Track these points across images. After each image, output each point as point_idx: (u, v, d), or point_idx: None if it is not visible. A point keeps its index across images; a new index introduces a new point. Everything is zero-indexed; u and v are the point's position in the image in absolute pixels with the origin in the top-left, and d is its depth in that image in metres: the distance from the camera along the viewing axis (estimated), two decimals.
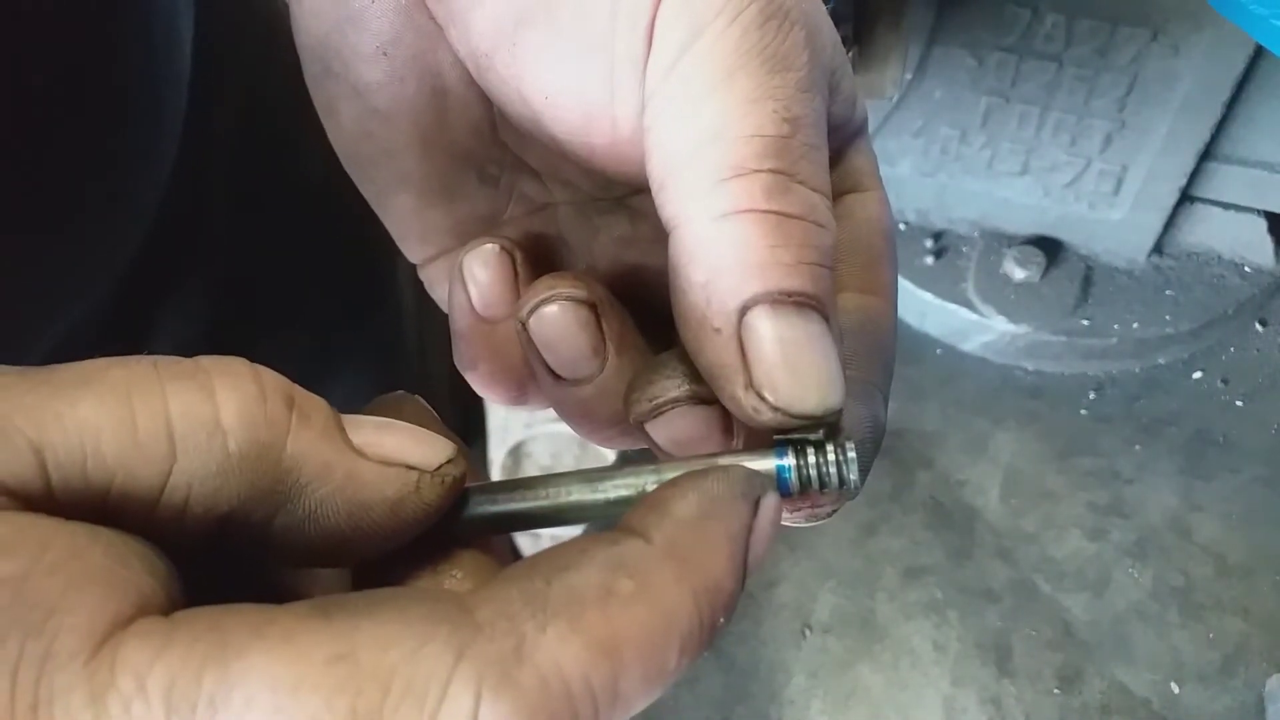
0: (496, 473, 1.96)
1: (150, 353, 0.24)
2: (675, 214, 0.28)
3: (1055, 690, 0.67)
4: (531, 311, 0.32)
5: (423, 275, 0.39)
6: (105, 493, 0.22)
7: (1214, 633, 0.70)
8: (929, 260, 0.89)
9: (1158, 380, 0.85)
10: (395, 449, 0.26)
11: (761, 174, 0.27)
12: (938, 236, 0.91)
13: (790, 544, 0.72)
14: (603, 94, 0.29)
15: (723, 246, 0.27)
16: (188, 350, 0.25)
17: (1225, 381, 0.84)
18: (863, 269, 0.34)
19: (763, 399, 0.27)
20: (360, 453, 0.25)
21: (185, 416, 0.23)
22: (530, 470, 2.05)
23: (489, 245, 0.34)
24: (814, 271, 0.27)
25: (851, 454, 0.28)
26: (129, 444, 0.22)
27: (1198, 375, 0.85)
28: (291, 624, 0.21)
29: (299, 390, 0.25)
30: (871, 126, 0.87)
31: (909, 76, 0.80)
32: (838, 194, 0.35)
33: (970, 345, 0.87)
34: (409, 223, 0.37)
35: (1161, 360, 0.86)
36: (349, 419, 0.26)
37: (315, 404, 0.25)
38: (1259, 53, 0.71)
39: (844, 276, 0.33)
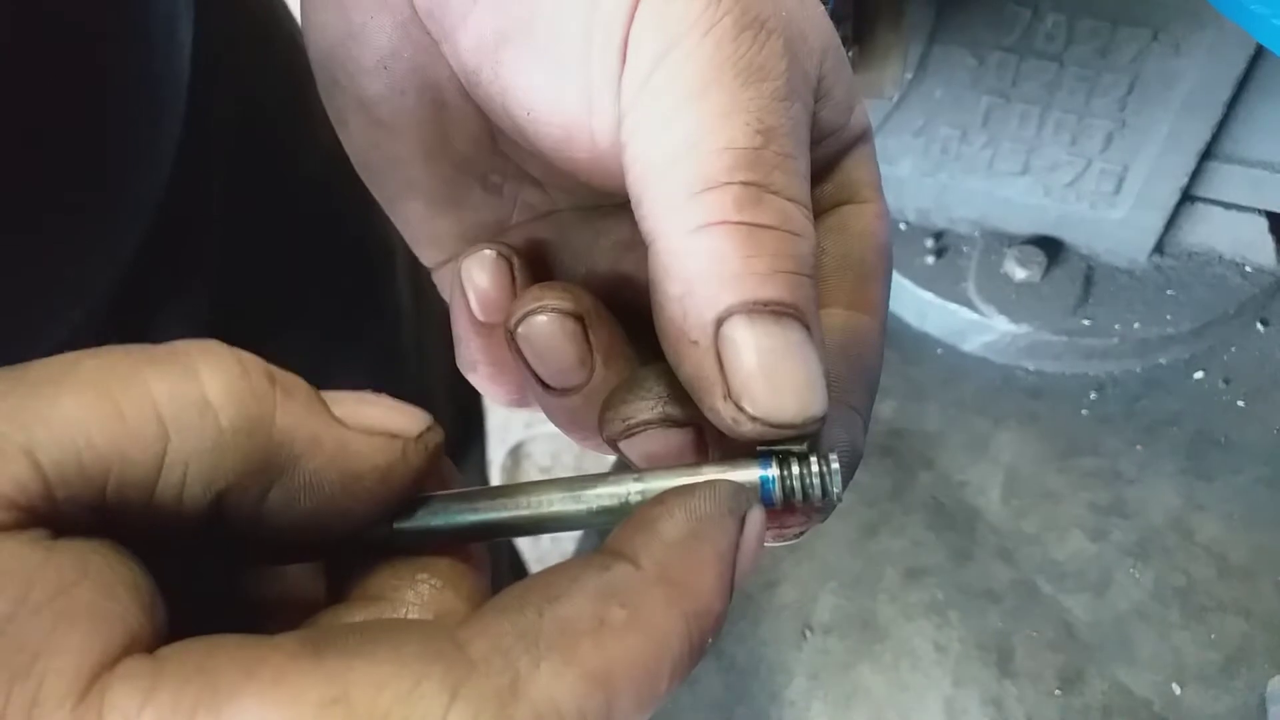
0: (496, 473, 1.96)
1: None
2: (651, 228, 0.28)
3: (1057, 691, 0.67)
4: (519, 322, 0.32)
5: (436, 279, 0.39)
6: (104, 484, 0.22)
7: (1215, 633, 0.70)
8: (929, 260, 0.89)
9: (1159, 380, 0.84)
10: (377, 419, 0.26)
11: (733, 186, 0.27)
12: (938, 236, 0.91)
13: (789, 545, 0.72)
14: (581, 109, 0.30)
15: (697, 259, 0.27)
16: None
17: (1227, 381, 0.84)
18: (852, 285, 0.33)
19: (741, 409, 0.27)
20: (343, 424, 0.25)
21: (172, 397, 0.23)
22: (530, 471, 2.04)
23: (487, 251, 0.34)
24: (791, 280, 0.27)
25: (835, 465, 0.28)
26: (120, 431, 0.22)
27: (1199, 375, 0.84)
28: (283, 663, 0.20)
29: (276, 368, 0.25)
30: (872, 126, 0.87)
31: (909, 76, 0.80)
32: (832, 205, 0.35)
33: (971, 345, 0.87)
34: (419, 229, 0.37)
35: (1163, 360, 0.85)
36: (327, 394, 0.26)
37: (295, 380, 0.25)
38: (1260, 52, 0.71)
39: (833, 291, 0.33)
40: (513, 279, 0.34)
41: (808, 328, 0.27)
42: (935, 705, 0.66)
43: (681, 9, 0.27)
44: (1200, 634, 0.70)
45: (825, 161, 0.34)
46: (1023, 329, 0.84)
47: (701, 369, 0.27)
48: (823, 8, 0.31)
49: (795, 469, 0.28)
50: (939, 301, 0.86)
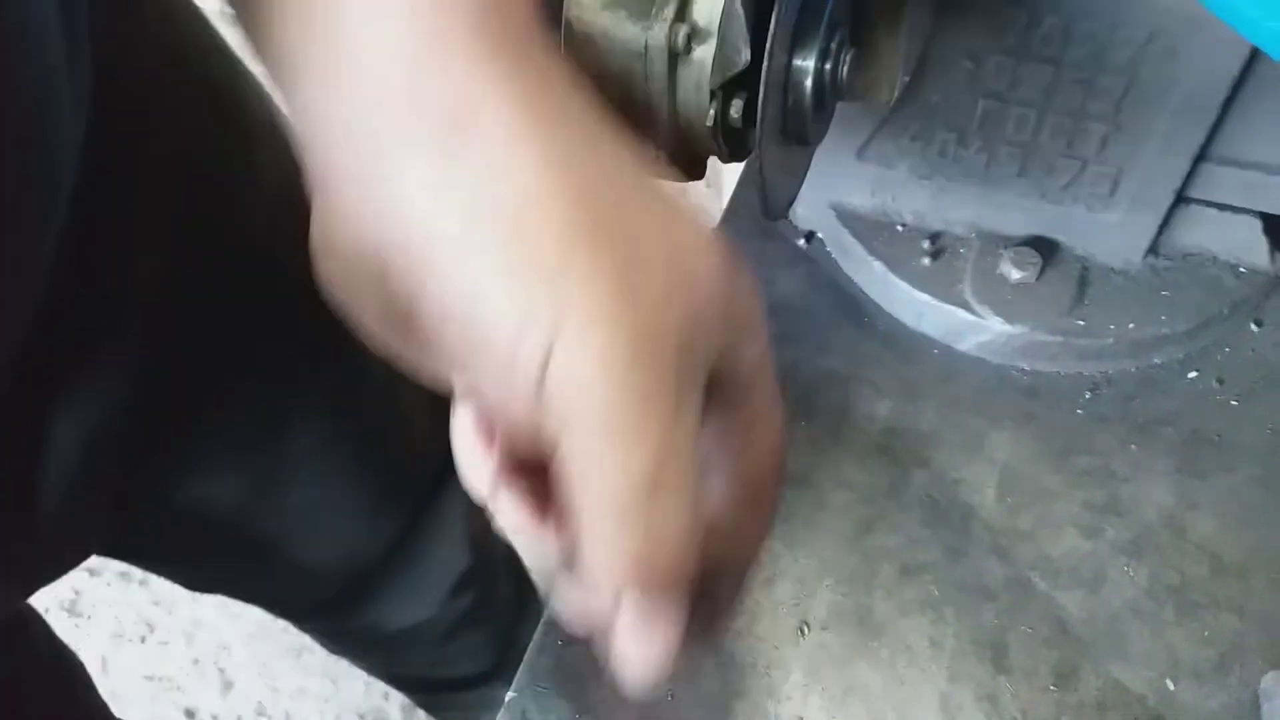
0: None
1: (60, 423, 0.24)
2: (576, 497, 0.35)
3: (1051, 687, 0.68)
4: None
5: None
6: None
7: (1209, 630, 0.70)
8: (925, 261, 0.90)
9: (1153, 380, 0.85)
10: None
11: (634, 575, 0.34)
12: (934, 238, 0.91)
13: (787, 541, 0.72)
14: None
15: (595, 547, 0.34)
16: (108, 414, 0.25)
17: (1221, 381, 0.85)
18: (738, 506, 0.40)
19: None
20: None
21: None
22: None
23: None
24: (675, 574, 0.34)
25: None
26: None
27: (1193, 375, 0.85)
28: None
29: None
30: (868, 129, 0.87)
31: (906, 79, 0.81)
32: (728, 422, 0.39)
33: (966, 345, 0.87)
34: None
35: (1157, 360, 0.86)
36: None
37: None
38: (1255, 55, 0.71)
39: (721, 511, 0.39)
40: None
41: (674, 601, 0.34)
42: (931, 700, 0.66)
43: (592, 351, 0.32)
44: (1194, 631, 0.70)
45: (719, 380, 0.38)
46: (1018, 329, 0.84)
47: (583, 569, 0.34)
48: (719, 255, 0.37)
49: None
50: (935, 302, 0.87)
